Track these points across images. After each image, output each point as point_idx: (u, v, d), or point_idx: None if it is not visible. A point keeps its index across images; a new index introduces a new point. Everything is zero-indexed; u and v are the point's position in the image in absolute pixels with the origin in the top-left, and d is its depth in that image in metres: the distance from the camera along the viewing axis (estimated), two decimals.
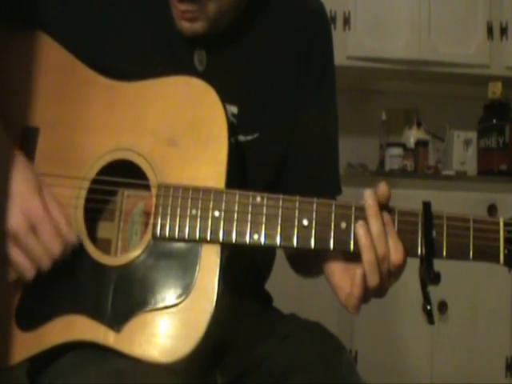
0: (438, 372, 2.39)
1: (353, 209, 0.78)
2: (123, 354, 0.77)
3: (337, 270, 0.83)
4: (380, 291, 0.79)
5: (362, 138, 2.87)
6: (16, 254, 0.77)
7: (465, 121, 2.78)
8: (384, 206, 0.78)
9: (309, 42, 0.98)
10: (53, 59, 0.87)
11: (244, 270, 0.89)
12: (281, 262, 1.01)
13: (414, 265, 0.79)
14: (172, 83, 0.84)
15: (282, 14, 0.98)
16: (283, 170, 0.99)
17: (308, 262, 0.94)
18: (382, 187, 0.77)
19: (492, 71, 2.69)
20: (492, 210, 2.44)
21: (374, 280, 0.76)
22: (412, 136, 2.76)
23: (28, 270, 0.77)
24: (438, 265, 0.77)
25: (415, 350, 2.39)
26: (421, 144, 2.71)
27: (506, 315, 2.44)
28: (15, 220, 0.76)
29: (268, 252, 1.00)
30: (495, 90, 2.62)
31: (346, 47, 2.58)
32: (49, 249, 0.77)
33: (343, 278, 0.82)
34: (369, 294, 0.78)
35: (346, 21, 2.61)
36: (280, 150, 0.97)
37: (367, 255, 0.76)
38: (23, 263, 0.77)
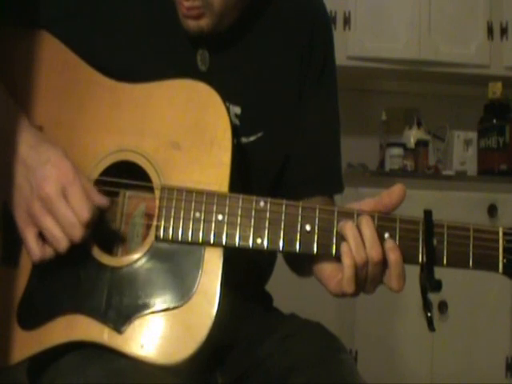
0: (438, 372, 2.39)
1: (355, 215, 0.78)
2: (124, 354, 0.77)
3: (327, 264, 0.84)
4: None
5: (362, 138, 2.87)
6: (48, 222, 0.75)
7: (465, 121, 2.78)
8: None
9: (310, 41, 0.99)
10: (57, 59, 0.87)
11: (246, 271, 0.90)
12: (281, 263, 1.01)
13: (414, 270, 0.79)
14: (176, 86, 0.84)
15: (283, 13, 0.98)
16: (285, 167, 0.99)
17: (300, 260, 0.94)
18: (397, 191, 0.80)
19: (492, 71, 2.70)
20: (492, 210, 2.44)
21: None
22: (412, 136, 2.77)
23: (60, 239, 0.75)
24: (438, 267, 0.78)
25: (415, 350, 2.39)
26: (421, 144, 2.71)
27: (506, 315, 2.44)
28: (48, 184, 0.76)
29: (270, 254, 1.00)
30: (495, 89, 2.62)
31: (346, 47, 2.58)
32: (78, 213, 0.75)
33: (334, 269, 0.83)
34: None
35: (346, 21, 2.61)
36: (283, 148, 0.98)
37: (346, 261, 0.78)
38: (56, 232, 0.75)
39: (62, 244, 0.76)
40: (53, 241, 0.76)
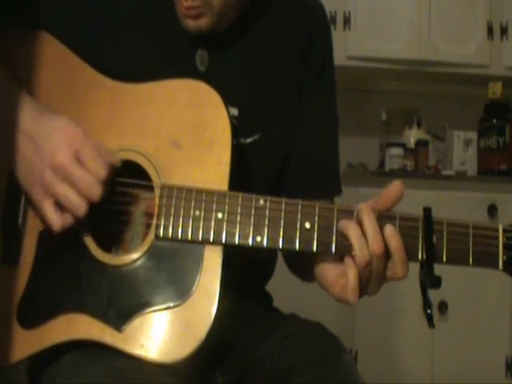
0: (438, 372, 2.39)
1: (355, 213, 0.78)
2: (125, 353, 0.77)
3: (330, 268, 0.83)
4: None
5: (362, 138, 2.87)
6: (64, 190, 0.76)
7: (465, 121, 2.78)
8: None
9: (309, 42, 0.99)
10: (57, 60, 0.87)
11: (246, 270, 0.90)
12: (281, 263, 1.02)
13: (414, 267, 0.79)
14: (177, 86, 0.84)
15: (282, 13, 0.98)
16: (284, 169, 0.99)
17: (302, 265, 0.94)
18: (395, 187, 0.79)
19: (492, 71, 2.70)
20: (492, 210, 2.44)
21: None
22: (412, 136, 2.77)
23: (79, 204, 0.76)
24: (439, 265, 0.77)
25: (415, 350, 2.39)
26: (421, 144, 2.71)
27: (506, 315, 2.44)
28: (60, 152, 0.76)
29: (270, 253, 1.00)
30: (495, 89, 2.62)
31: (346, 47, 2.58)
32: (95, 173, 0.76)
33: (338, 274, 0.82)
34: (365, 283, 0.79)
35: (346, 21, 2.61)
36: (281, 150, 0.98)
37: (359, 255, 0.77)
38: (73, 198, 0.76)
39: (81, 208, 0.76)
40: (71, 207, 0.76)
